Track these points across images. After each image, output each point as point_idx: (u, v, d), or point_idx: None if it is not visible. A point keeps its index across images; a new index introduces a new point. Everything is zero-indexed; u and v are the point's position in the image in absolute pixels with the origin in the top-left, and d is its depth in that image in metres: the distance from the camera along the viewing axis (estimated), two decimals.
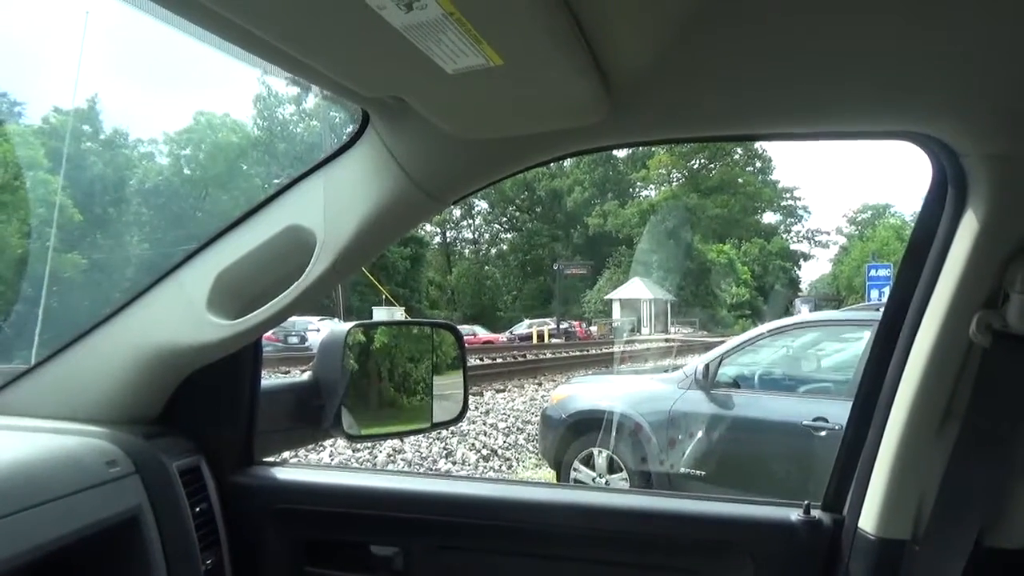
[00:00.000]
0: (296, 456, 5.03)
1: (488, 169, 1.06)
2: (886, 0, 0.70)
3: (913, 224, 1.11)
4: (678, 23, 0.74)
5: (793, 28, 0.76)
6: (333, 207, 1.05)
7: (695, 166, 52.88)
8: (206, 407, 1.24)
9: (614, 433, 5.12)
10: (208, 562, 1.14)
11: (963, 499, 1.01)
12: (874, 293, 18.25)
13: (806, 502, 1.18)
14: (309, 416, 1.38)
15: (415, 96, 0.82)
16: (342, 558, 1.29)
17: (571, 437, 5.39)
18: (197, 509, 1.14)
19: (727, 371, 4.97)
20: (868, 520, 1.08)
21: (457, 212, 53.10)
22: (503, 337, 29.86)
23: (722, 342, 5.82)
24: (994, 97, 0.83)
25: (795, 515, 1.17)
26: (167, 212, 35.44)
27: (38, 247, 22.81)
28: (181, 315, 1.12)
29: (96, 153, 33.80)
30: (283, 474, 1.32)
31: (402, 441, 6.88)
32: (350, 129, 1.06)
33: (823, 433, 4.17)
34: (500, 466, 6.86)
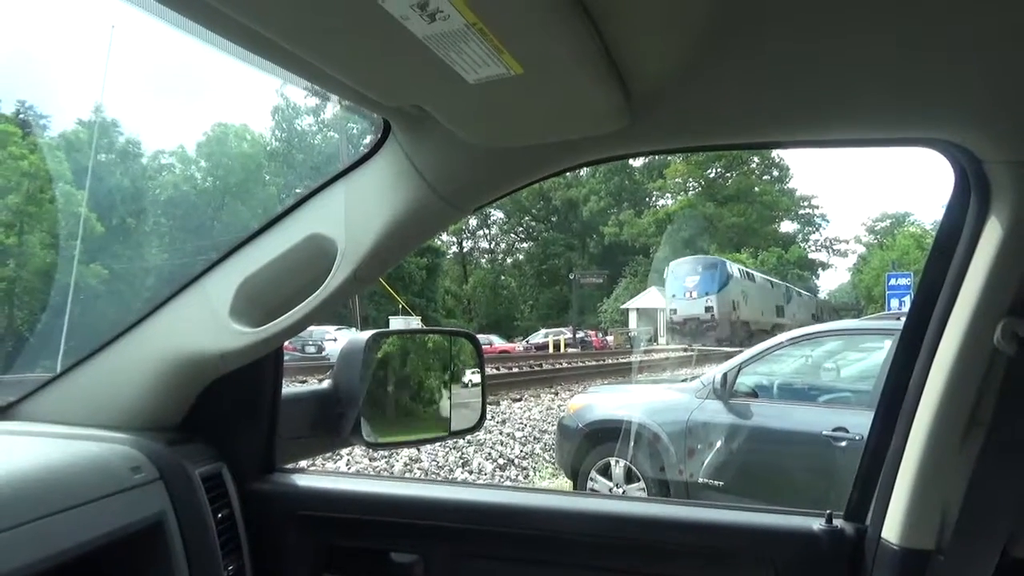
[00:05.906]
0: (313, 464, 5.05)
1: (508, 177, 1.07)
2: (908, 7, 0.70)
3: (933, 233, 1.09)
4: (698, 32, 0.74)
5: (815, 36, 0.76)
6: (354, 216, 1.06)
7: (711, 175, 52.63)
8: (228, 414, 1.25)
9: (631, 443, 5.08)
10: (230, 568, 1.14)
11: (989, 509, 0.99)
12: (894, 302, 18.02)
13: (828, 511, 1.17)
14: (329, 424, 1.39)
15: (436, 105, 0.83)
16: (362, 565, 1.29)
17: (588, 447, 5.36)
18: (219, 515, 1.15)
19: (745, 381, 4.92)
20: (892, 530, 1.07)
21: (473, 222, 53.35)
22: (519, 346, 29.82)
23: (740, 351, 5.77)
24: (1018, 103, 0.82)
25: (817, 524, 1.15)
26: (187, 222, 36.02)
27: (63, 258, 23.18)
28: (204, 323, 1.13)
29: (117, 165, 34.38)
30: (304, 481, 1.33)
31: (419, 450, 6.89)
32: (369, 139, 1.08)
33: (843, 443, 4.11)
34: (517, 475, 6.84)
